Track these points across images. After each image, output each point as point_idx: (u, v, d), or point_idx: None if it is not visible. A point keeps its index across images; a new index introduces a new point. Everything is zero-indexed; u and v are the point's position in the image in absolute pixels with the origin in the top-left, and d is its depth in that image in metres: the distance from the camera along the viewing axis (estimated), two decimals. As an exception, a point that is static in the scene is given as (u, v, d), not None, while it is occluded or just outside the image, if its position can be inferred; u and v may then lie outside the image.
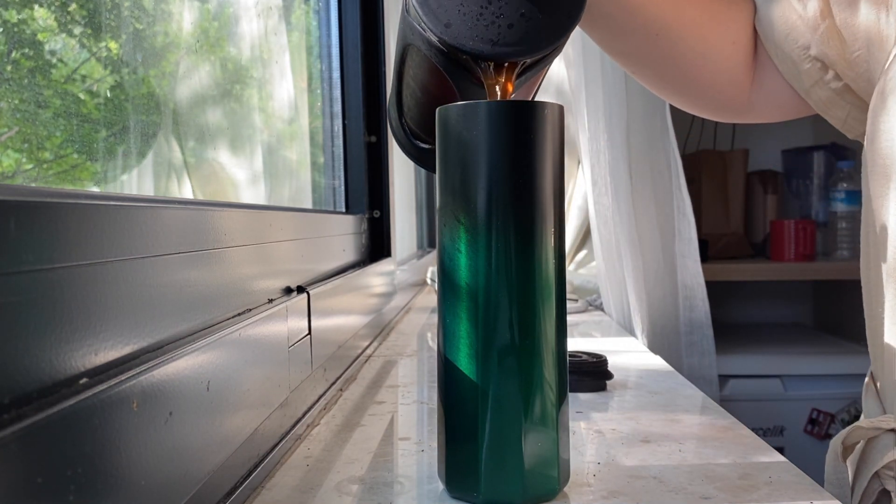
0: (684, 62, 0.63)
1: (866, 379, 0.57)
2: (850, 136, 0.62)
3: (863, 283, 0.55)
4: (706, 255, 1.62)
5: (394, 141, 0.95)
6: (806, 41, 0.58)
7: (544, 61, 0.43)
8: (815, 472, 0.46)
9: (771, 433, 1.51)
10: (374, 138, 0.91)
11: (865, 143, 0.54)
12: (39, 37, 0.41)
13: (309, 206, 0.88)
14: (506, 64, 0.40)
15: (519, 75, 0.42)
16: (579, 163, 1.33)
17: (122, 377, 0.24)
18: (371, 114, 0.90)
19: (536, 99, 0.48)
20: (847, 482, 0.54)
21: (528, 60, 0.41)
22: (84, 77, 0.46)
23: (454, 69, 0.41)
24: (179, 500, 0.28)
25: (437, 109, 0.39)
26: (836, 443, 0.54)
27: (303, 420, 0.51)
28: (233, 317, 0.39)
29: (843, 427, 0.58)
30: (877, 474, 0.51)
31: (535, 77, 0.46)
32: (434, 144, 0.41)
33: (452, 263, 0.38)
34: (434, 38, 0.40)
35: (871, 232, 0.53)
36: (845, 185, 1.75)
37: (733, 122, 0.71)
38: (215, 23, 0.68)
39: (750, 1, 0.64)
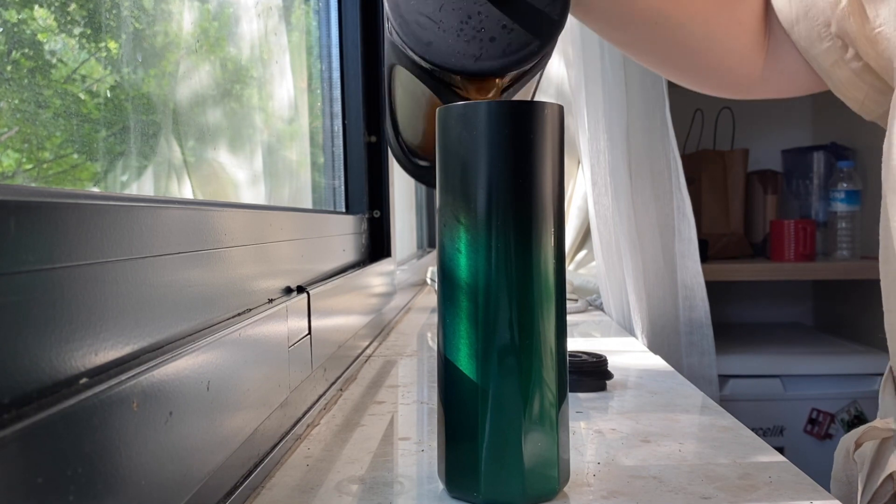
0: (689, 47, 0.61)
1: (884, 376, 0.56)
2: (868, 117, 0.60)
3: (882, 277, 0.55)
4: (706, 255, 1.62)
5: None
6: (826, 18, 0.57)
7: (532, 72, 0.43)
8: (815, 472, 0.46)
9: (771, 433, 1.51)
10: (374, 138, 0.91)
11: (885, 145, 0.54)
12: (39, 37, 0.41)
13: (309, 206, 0.88)
14: (492, 84, 0.40)
15: (507, 87, 0.42)
16: (579, 163, 1.33)
17: (122, 377, 0.24)
18: (371, 114, 0.90)
19: (536, 99, 0.48)
20: (856, 480, 0.54)
21: (514, 72, 0.40)
22: (84, 77, 0.46)
23: (441, 87, 0.41)
24: (179, 500, 0.28)
25: (437, 109, 0.39)
26: (847, 441, 0.54)
27: (303, 420, 0.51)
28: (233, 317, 0.39)
29: (843, 427, 0.58)
30: (890, 476, 0.51)
31: (531, 80, 0.46)
32: (431, 161, 0.41)
33: (452, 263, 0.38)
34: (417, 58, 0.40)
35: (888, 228, 0.53)
36: (845, 185, 1.75)
37: (746, 98, 0.70)
38: (215, 23, 0.68)
39: None
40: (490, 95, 0.41)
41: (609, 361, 0.67)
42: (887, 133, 0.53)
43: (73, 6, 0.44)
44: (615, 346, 0.90)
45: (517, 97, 0.46)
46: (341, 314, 0.63)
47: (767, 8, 0.62)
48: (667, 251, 1.23)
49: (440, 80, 0.40)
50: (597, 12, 0.59)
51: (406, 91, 0.46)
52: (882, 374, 0.57)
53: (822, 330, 1.89)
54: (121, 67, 0.49)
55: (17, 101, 0.38)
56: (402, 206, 1.29)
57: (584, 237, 1.41)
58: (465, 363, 0.38)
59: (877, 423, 0.52)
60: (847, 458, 0.54)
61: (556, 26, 0.39)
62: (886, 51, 0.55)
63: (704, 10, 0.61)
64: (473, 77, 0.39)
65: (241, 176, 0.71)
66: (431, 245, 1.82)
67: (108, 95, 0.49)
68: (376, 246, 0.91)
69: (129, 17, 0.50)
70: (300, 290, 0.51)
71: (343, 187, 0.89)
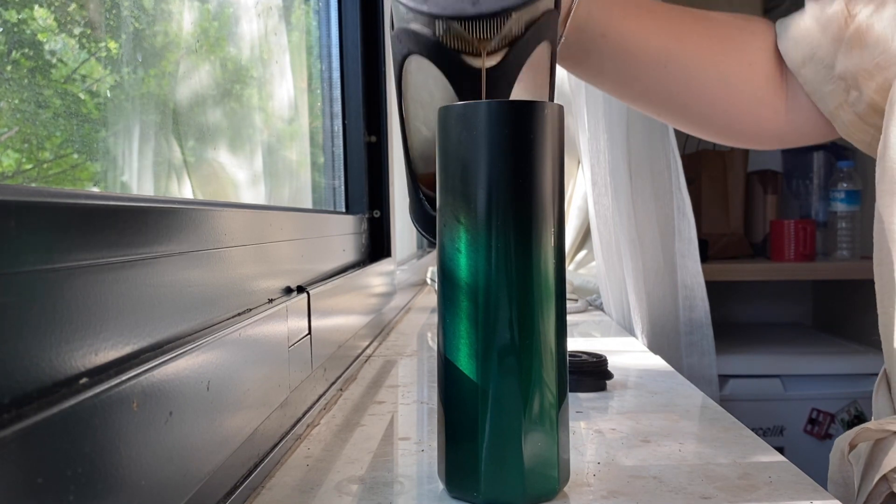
0: (704, 89, 0.62)
1: (878, 377, 0.57)
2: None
3: (876, 279, 0.55)
4: (706, 255, 1.62)
5: (394, 141, 0.96)
6: (830, 60, 0.58)
7: (537, 34, 0.43)
8: (815, 472, 0.46)
9: (771, 433, 1.51)
10: (374, 138, 0.91)
11: (880, 146, 0.54)
12: (39, 37, 0.41)
13: (309, 206, 0.88)
14: (494, 33, 0.40)
15: (511, 46, 0.42)
16: (579, 163, 1.33)
17: (122, 377, 0.24)
18: (371, 114, 0.90)
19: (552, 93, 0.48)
20: (853, 481, 0.54)
21: (514, 16, 0.40)
22: (84, 77, 0.46)
23: (446, 58, 0.41)
24: (179, 500, 0.28)
25: (438, 109, 0.39)
26: (841, 442, 0.54)
27: (303, 420, 0.51)
28: (233, 317, 0.39)
29: (843, 427, 0.58)
30: (884, 477, 0.51)
31: (545, 68, 0.46)
32: None
33: (452, 263, 0.38)
34: (416, 25, 0.40)
35: (881, 229, 0.53)
36: (845, 184, 1.75)
37: (780, 147, 0.70)
38: (215, 23, 0.68)
39: (765, 26, 0.64)
40: (494, 45, 0.41)
41: (609, 361, 0.67)
42: (882, 135, 0.54)
43: (72, 6, 0.44)
44: (615, 346, 0.90)
45: (532, 95, 0.46)
46: (341, 314, 0.63)
47: (779, 53, 0.63)
48: (667, 251, 1.23)
49: (449, 53, 0.41)
50: (608, 66, 0.60)
51: (419, 99, 0.46)
52: None
53: (821, 330, 1.89)
54: (121, 67, 0.49)
55: (17, 101, 0.38)
56: (402, 206, 1.29)
57: (584, 237, 1.41)
58: (465, 363, 0.38)
59: (870, 424, 0.52)
60: (842, 459, 0.54)
61: None
62: (885, 82, 0.55)
63: (711, 51, 0.62)
64: (474, 26, 0.40)
65: (241, 176, 0.71)
66: (431, 245, 1.82)
67: (109, 95, 0.49)
68: (376, 246, 0.91)
69: (129, 17, 0.50)
70: (300, 290, 0.51)
71: (343, 187, 0.89)
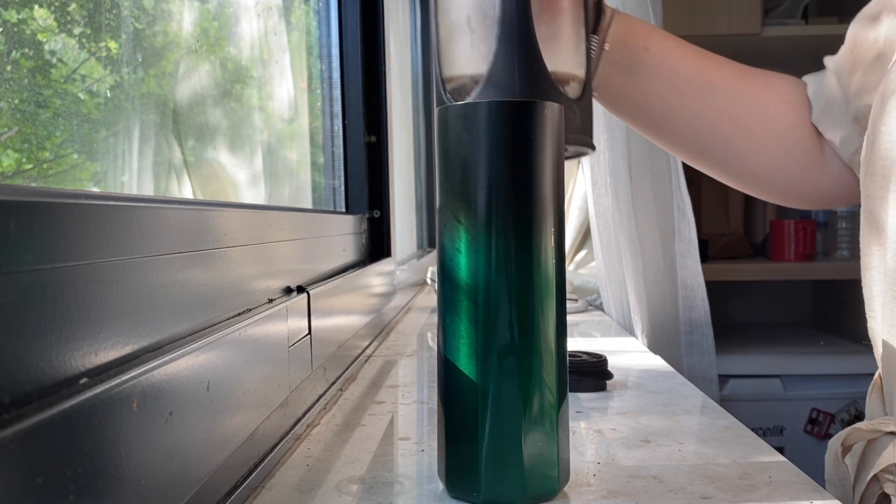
0: (743, 122, 0.63)
1: (872, 381, 0.57)
2: None
3: (863, 285, 0.55)
4: (706, 255, 1.62)
5: (393, 141, 0.95)
6: (845, 106, 0.59)
7: None
8: (815, 472, 0.46)
9: (771, 433, 1.51)
10: (374, 138, 0.91)
11: (865, 144, 0.54)
12: (39, 37, 0.41)
13: (309, 206, 0.88)
14: None
15: None
16: (579, 163, 1.33)
17: (122, 377, 0.24)
18: (371, 114, 0.90)
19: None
20: (849, 482, 0.54)
21: None
22: (84, 77, 0.46)
23: None
24: (179, 500, 0.28)
25: (437, 110, 0.39)
26: (835, 443, 0.54)
27: (303, 420, 0.51)
28: (233, 317, 0.39)
29: (843, 427, 0.58)
30: (876, 477, 0.51)
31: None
32: None
33: (452, 263, 0.38)
34: None
35: (869, 233, 0.53)
36: (845, 185, 1.75)
37: (825, 207, 0.72)
38: (215, 23, 0.68)
39: (796, 79, 0.66)
40: None
41: (609, 361, 0.67)
42: (866, 143, 0.54)
43: (73, 6, 0.44)
44: (615, 346, 0.90)
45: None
46: (341, 314, 0.63)
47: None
48: (667, 251, 1.23)
49: None
50: (654, 81, 0.62)
51: None
52: None
53: (821, 330, 1.89)
54: (121, 67, 0.49)
55: (17, 101, 0.38)
56: (402, 206, 1.29)
57: (584, 237, 1.41)
58: (465, 363, 0.38)
59: (861, 424, 0.52)
60: (836, 460, 0.54)
61: None
62: None
63: (748, 84, 0.64)
64: None
65: (241, 176, 0.71)
66: (431, 245, 1.82)
67: (109, 95, 0.49)
68: (376, 246, 0.91)
69: (129, 16, 0.50)
70: (300, 290, 0.51)
71: (343, 187, 0.89)
